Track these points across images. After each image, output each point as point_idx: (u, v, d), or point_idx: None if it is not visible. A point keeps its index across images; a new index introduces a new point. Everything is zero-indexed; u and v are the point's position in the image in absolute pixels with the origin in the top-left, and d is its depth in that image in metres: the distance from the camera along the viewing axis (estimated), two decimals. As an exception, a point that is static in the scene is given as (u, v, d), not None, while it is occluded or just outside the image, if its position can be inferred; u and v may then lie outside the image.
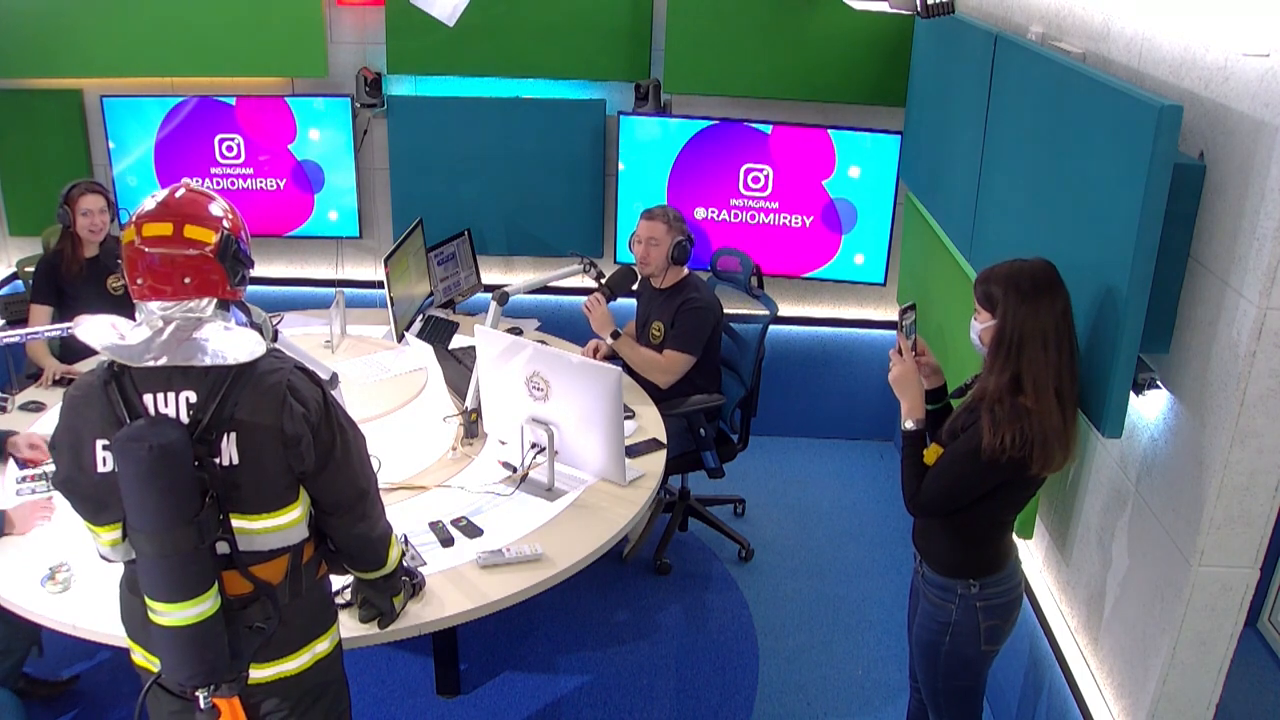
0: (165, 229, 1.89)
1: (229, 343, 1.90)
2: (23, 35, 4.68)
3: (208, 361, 1.86)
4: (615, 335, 3.85)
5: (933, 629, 2.54)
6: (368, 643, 2.46)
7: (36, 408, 3.53)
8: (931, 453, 2.41)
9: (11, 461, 3.13)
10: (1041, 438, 2.23)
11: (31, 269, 4.42)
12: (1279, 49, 1.93)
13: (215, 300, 1.94)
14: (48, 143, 4.92)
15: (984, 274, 2.36)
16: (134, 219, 1.92)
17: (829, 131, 4.60)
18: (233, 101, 4.79)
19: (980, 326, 2.35)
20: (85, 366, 3.74)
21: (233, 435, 1.88)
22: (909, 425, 2.46)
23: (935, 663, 2.57)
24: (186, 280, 1.90)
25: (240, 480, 1.90)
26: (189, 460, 1.83)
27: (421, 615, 2.53)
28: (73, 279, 3.99)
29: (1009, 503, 2.43)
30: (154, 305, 1.91)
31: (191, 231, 1.90)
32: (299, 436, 1.92)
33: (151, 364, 1.85)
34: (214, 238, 1.92)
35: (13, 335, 3.11)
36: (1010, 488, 2.37)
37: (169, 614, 1.87)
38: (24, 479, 3.03)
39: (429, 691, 3.41)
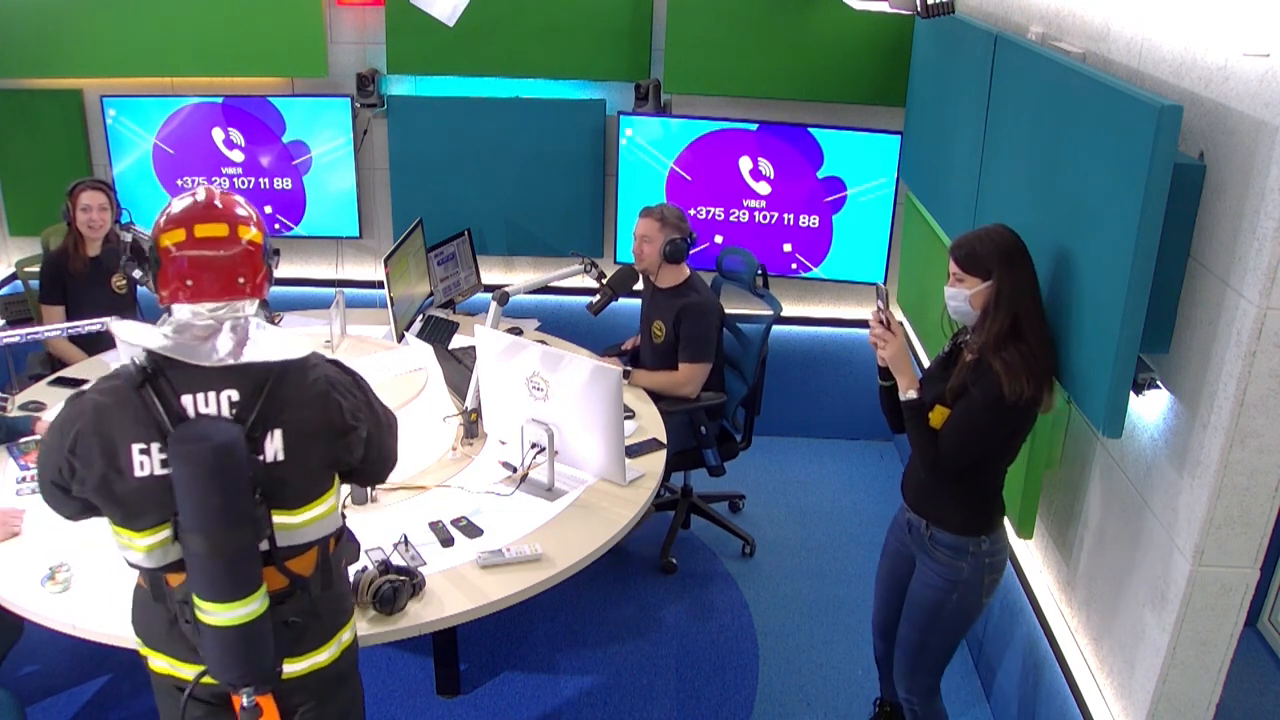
0: (221, 230, 1.90)
1: (280, 341, 1.92)
2: (23, 35, 4.68)
3: (270, 359, 1.88)
4: (627, 374, 3.82)
5: (940, 586, 2.64)
6: (368, 642, 2.45)
7: (37, 408, 3.53)
8: (938, 414, 2.51)
9: (11, 461, 3.14)
10: (1049, 377, 2.46)
11: (31, 270, 4.41)
12: (1279, 49, 1.93)
13: (258, 300, 1.96)
14: (48, 143, 4.92)
15: (965, 245, 2.48)
16: (174, 221, 1.90)
17: (829, 131, 4.60)
18: (229, 101, 4.79)
19: (969, 292, 2.47)
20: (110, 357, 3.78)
21: (277, 432, 1.89)
22: (911, 395, 2.55)
23: (935, 619, 2.67)
24: (241, 280, 1.92)
25: (284, 475, 1.91)
26: (245, 458, 1.85)
27: (421, 615, 2.53)
28: (77, 278, 3.99)
29: (1013, 450, 2.57)
30: (202, 307, 1.90)
31: (243, 231, 1.93)
32: (348, 429, 1.96)
33: (218, 364, 1.85)
34: (261, 237, 1.95)
35: (13, 335, 3.11)
36: (1019, 433, 2.53)
37: (220, 614, 1.87)
38: (24, 479, 3.03)
39: (429, 691, 3.41)
